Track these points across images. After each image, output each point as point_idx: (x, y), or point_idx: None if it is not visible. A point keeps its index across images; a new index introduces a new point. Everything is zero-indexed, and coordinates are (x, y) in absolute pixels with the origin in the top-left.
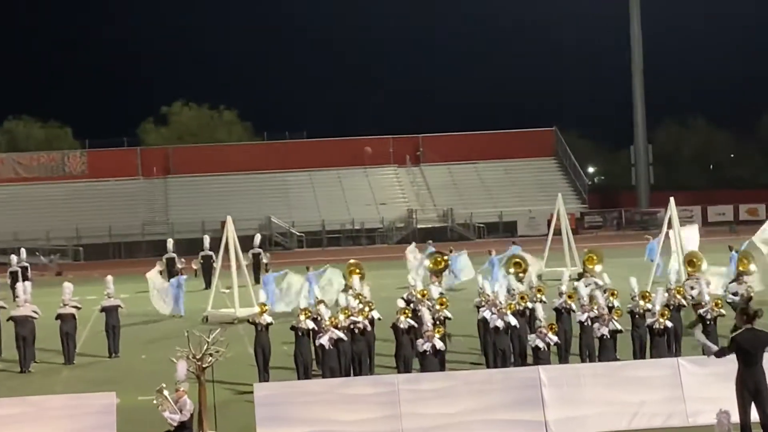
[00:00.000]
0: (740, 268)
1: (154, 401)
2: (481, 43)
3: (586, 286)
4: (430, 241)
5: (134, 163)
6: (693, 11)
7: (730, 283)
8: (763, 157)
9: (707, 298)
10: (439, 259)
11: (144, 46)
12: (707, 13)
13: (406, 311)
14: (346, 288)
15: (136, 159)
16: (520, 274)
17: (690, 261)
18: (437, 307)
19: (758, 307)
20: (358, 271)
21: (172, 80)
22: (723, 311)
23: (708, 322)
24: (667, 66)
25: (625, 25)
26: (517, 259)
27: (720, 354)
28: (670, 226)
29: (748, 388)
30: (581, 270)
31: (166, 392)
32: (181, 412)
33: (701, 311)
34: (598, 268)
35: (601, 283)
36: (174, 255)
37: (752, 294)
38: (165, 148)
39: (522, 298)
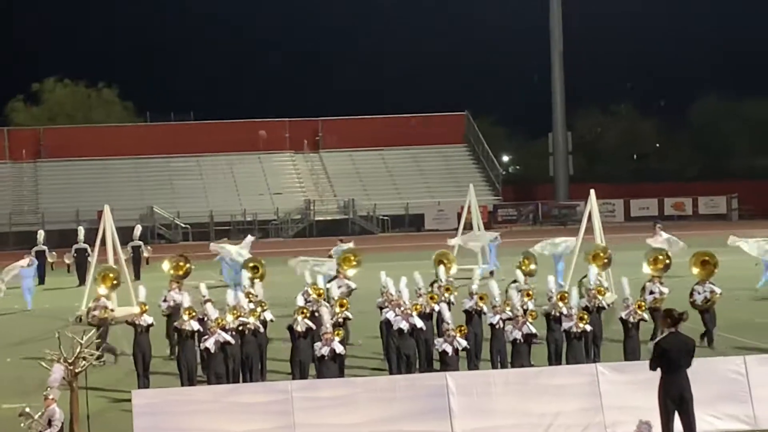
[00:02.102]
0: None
1: (22, 425)
2: (385, 18)
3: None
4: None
5: (1, 145)
6: None
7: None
8: (692, 148)
9: (630, 299)
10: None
11: (13, 15)
12: None
13: (304, 311)
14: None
15: (3, 141)
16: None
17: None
18: (337, 309)
19: (683, 310)
20: (252, 265)
21: (44, 54)
22: (645, 315)
23: (630, 326)
24: (589, 47)
25: (544, 2)
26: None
27: (653, 366)
28: (589, 220)
29: (671, 397)
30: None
31: (28, 409)
32: (49, 424)
33: (622, 314)
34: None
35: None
36: (44, 248)
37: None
38: (36, 129)
39: (431, 298)
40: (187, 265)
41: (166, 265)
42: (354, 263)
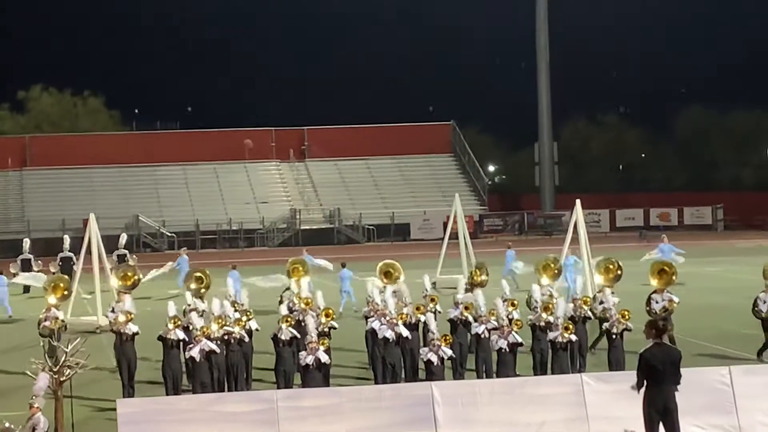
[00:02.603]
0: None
1: None
2: (372, 29)
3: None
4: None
5: None
6: (604, 2)
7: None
8: (677, 158)
9: (613, 310)
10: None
11: None
12: (620, 5)
13: (289, 319)
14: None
15: None
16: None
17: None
18: (323, 319)
19: (665, 321)
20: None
21: (30, 62)
22: (630, 324)
23: (614, 337)
24: (575, 57)
25: (531, 12)
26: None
27: (640, 383)
28: (575, 230)
29: (656, 408)
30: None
31: (8, 424)
32: None
33: (606, 325)
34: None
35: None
36: (30, 256)
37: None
38: (21, 137)
39: (417, 308)
40: (135, 277)
41: (113, 279)
42: (302, 273)
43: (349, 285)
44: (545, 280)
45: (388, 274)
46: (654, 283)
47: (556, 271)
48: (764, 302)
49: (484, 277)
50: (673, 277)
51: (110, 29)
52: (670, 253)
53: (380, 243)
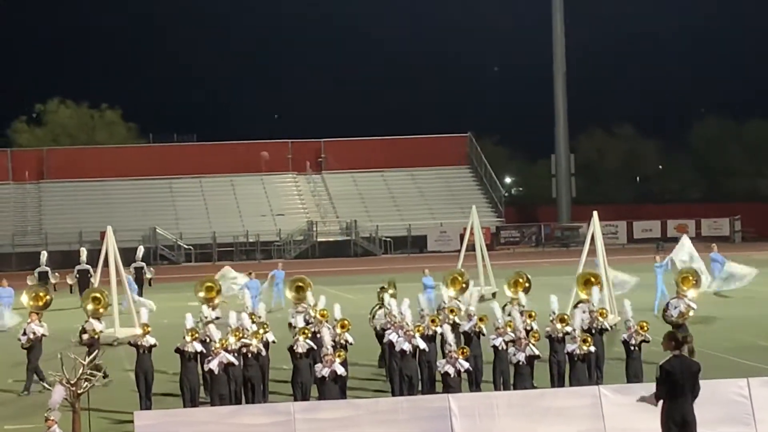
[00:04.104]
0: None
1: None
2: (389, 41)
3: (583, 312)
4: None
5: (4, 166)
6: (619, 14)
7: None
8: (693, 169)
9: (631, 321)
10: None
11: (17, 36)
12: (635, 15)
13: (305, 331)
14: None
15: (6, 162)
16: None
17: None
18: (339, 331)
19: (686, 333)
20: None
21: (48, 75)
22: (648, 336)
23: (632, 348)
24: (591, 70)
25: (547, 26)
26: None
27: (659, 395)
28: (592, 242)
29: (674, 421)
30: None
31: None
32: None
33: (624, 336)
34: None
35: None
36: (47, 269)
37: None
38: (39, 150)
39: (432, 320)
40: (47, 297)
41: (24, 298)
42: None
43: (431, 293)
44: (452, 292)
45: (454, 281)
46: (581, 293)
47: (463, 285)
48: (675, 308)
49: (392, 292)
50: (599, 287)
51: (127, 42)
52: (722, 264)
53: (397, 255)
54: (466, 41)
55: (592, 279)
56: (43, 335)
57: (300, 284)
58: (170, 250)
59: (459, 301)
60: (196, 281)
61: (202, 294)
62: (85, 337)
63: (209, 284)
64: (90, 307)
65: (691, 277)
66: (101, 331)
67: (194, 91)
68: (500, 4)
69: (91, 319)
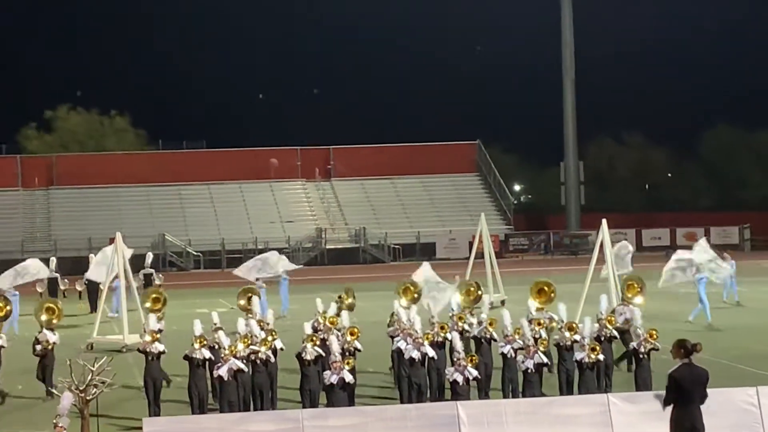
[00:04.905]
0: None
1: None
2: (399, 48)
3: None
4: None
5: (13, 172)
6: (629, 20)
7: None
8: (703, 177)
9: (640, 329)
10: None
11: (26, 42)
12: (644, 24)
13: (313, 338)
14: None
15: (15, 168)
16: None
17: (629, 285)
18: (348, 338)
19: (696, 341)
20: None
21: (57, 81)
22: (658, 344)
23: (641, 357)
24: (601, 76)
25: (556, 32)
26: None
27: (668, 401)
28: (601, 250)
29: (684, 428)
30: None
31: None
32: None
33: (633, 344)
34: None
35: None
36: (57, 275)
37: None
38: (48, 156)
39: (442, 327)
40: (7, 308)
41: (43, 317)
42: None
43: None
44: (404, 302)
45: (405, 291)
46: (536, 302)
47: (416, 295)
48: (621, 314)
49: (351, 300)
50: (552, 295)
51: (136, 49)
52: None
53: (406, 262)
54: (475, 49)
55: (545, 288)
56: (54, 343)
57: (250, 294)
58: (179, 257)
59: (471, 314)
60: (239, 289)
61: (242, 302)
62: (39, 348)
63: (50, 306)
64: (44, 318)
65: (635, 284)
66: (54, 343)
67: (203, 97)
68: (510, 12)
69: (44, 330)
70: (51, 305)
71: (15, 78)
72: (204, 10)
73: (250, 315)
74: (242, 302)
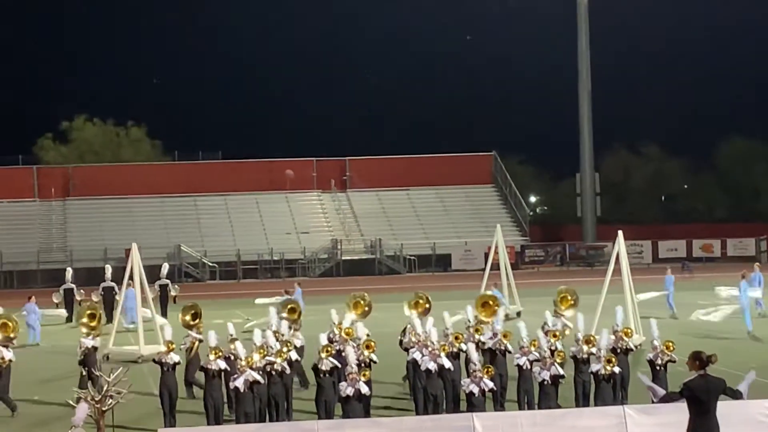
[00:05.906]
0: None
1: None
2: (415, 62)
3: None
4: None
5: (30, 183)
6: (645, 33)
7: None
8: (719, 189)
9: (657, 341)
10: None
11: (43, 54)
12: (660, 35)
13: (329, 349)
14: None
15: (32, 179)
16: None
17: (562, 298)
18: (365, 352)
19: (712, 353)
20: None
21: (73, 92)
22: (675, 356)
23: (658, 368)
24: (617, 88)
25: (572, 44)
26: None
27: (667, 398)
28: (617, 262)
29: None
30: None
31: None
32: None
33: (650, 356)
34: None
35: (571, 325)
36: (72, 286)
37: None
38: (65, 167)
39: (456, 338)
40: (100, 315)
41: (85, 319)
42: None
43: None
44: (353, 315)
45: (356, 305)
46: (481, 315)
47: (366, 309)
48: (553, 326)
49: (362, 310)
50: (496, 308)
51: (152, 60)
52: (755, 285)
53: (421, 273)
54: (491, 60)
55: (490, 302)
56: (94, 347)
57: (194, 311)
58: (195, 268)
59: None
60: (285, 303)
61: (285, 314)
62: (80, 351)
63: (292, 306)
64: (84, 322)
65: (569, 297)
66: (10, 360)
67: (219, 109)
68: (526, 23)
69: (82, 339)
70: (6, 321)
71: (32, 89)
72: (218, 23)
73: (295, 326)
74: (285, 314)
